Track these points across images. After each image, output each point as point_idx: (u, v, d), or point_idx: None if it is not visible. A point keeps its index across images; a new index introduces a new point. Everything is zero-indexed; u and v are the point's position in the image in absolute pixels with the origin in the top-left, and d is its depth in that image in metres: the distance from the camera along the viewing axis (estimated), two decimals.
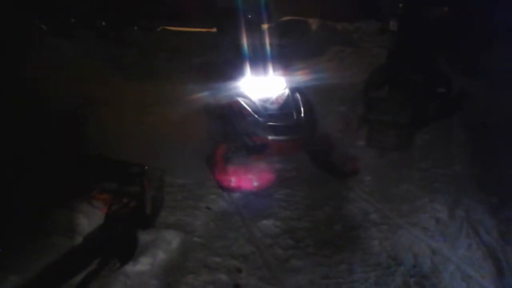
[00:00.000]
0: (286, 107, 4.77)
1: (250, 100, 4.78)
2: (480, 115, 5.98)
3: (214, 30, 11.21)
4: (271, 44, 6.16)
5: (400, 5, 7.76)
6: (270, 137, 4.48)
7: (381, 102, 5.67)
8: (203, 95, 5.54)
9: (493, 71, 6.98)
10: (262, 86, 4.97)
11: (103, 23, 10.21)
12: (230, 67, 5.44)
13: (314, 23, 11.32)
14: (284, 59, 6.02)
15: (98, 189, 3.54)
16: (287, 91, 4.95)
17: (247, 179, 4.52)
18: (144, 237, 3.49)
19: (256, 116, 4.59)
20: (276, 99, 4.84)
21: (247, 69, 5.19)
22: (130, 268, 3.18)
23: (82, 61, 6.84)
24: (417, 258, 3.45)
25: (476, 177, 4.61)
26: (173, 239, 3.54)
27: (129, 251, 3.29)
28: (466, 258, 3.41)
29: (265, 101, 4.79)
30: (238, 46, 6.06)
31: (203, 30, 11.41)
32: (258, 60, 5.36)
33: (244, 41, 6.20)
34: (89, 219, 3.33)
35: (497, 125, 5.67)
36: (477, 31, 7.72)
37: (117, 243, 3.30)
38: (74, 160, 3.84)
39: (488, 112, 5.98)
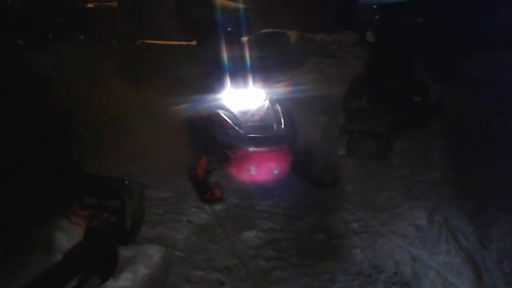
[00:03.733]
0: (267, 118, 4.79)
1: (230, 112, 4.78)
2: (456, 122, 6.11)
3: (194, 43, 11.24)
4: (250, 56, 6.19)
5: (376, 16, 7.93)
6: (251, 149, 4.49)
7: (360, 112, 5.75)
8: (183, 108, 5.54)
9: (470, 78, 7.16)
10: (242, 98, 4.99)
11: (81, 37, 10.17)
12: (210, 80, 5.45)
13: (293, 35, 11.46)
14: (264, 71, 6.03)
15: (77, 204, 3.49)
16: (267, 103, 4.97)
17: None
18: (124, 252, 3.43)
19: (237, 128, 4.60)
20: (256, 111, 4.86)
21: (227, 81, 5.20)
22: (111, 284, 3.12)
23: (58, 75, 6.77)
24: (398, 265, 3.48)
25: (454, 183, 4.70)
26: (154, 254, 3.49)
27: (109, 267, 3.23)
28: (445, 264, 3.45)
29: (245, 113, 4.81)
30: (217, 59, 6.07)
31: (183, 43, 11.42)
32: (238, 72, 5.37)
33: (224, 54, 6.22)
34: (69, 235, 3.28)
35: (474, 132, 5.80)
36: (454, 40, 7.92)
37: (97, 259, 3.25)
38: (53, 174, 3.78)
39: (465, 119, 6.11)
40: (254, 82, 5.23)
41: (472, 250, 3.57)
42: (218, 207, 4.47)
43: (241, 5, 11.75)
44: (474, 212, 4.09)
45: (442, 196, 4.45)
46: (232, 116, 4.73)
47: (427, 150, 5.55)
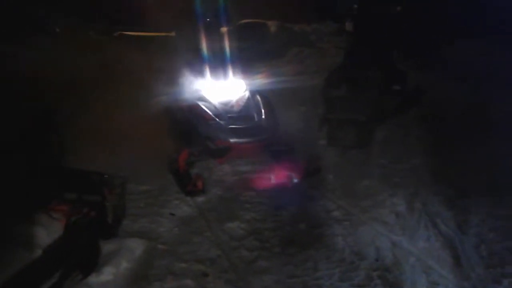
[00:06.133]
0: (247, 109, 4.80)
1: (211, 103, 4.78)
2: (435, 109, 6.20)
3: (173, 34, 11.10)
4: (230, 47, 6.16)
5: (355, 6, 7.96)
6: (232, 140, 4.49)
7: (339, 101, 5.80)
8: (163, 100, 5.49)
9: (450, 66, 7.27)
10: (222, 89, 4.97)
11: (57, 29, 9.96)
12: (190, 71, 5.40)
13: (272, 25, 11.45)
14: (244, 61, 6.03)
15: (57, 199, 3.44)
16: (247, 94, 4.97)
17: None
18: (107, 246, 3.41)
19: (217, 119, 4.59)
20: (237, 102, 4.86)
21: (207, 72, 5.17)
22: (93, 279, 3.10)
23: (36, 68, 6.63)
24: (379, 252, 3.53)
25: (433, 170, 4.77)
26: (136, 247, 3.48)
27: (91, 262, 3.21)
28: (425, 249, 3.52)
29: (226, 104, 4.80)
30: (197, 50, 6.03)
31: (162, 34, 11.27)
32: (218, 63, 5.36)
33: (204, 45, 6.17)
34: (48, 230, 3.24)
35: (453, 119, 5.89)
36: (432, 27, 8.00)
37: (79, 254, 3.22)
38: (32, 170, 3.71)
39: (445, 107, 6.20)
40: (234, 73, 5.22)
41: (451, 235, 3.65)
42: (201, 199, 4.46)
43: None
44: (452, 198, 4.17)
45: (421, 183, 4.53)
46: (213, 107, 4.72)
47: (407, 138, 5.63)
